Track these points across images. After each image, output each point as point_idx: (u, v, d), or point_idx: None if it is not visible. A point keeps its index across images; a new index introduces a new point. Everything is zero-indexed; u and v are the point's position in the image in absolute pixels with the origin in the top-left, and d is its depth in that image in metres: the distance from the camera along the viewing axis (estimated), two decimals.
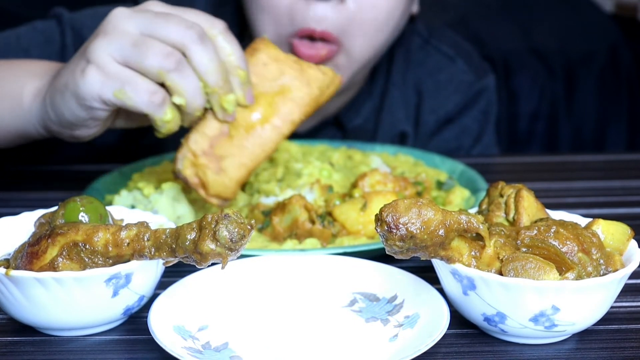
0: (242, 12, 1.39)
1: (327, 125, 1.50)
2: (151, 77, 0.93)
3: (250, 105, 1.01)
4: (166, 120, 0.95)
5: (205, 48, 0.94)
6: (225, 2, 1.45)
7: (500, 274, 0.75)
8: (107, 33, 0.93)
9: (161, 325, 0.77)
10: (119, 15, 0.94)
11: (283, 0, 1.26)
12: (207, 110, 0.99)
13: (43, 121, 1.01)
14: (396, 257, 0.73)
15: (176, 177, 1.03)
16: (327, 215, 1.03)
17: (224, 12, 1.45)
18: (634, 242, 0.81)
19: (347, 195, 1.08)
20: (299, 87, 1.03)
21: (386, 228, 0.70)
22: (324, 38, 1.27)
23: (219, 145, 1.00)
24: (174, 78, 0.93)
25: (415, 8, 1.44)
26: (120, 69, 0.92)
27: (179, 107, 0.96)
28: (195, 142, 1.00)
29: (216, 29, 0.97)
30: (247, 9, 1.34)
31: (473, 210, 0.89)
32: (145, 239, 0.75)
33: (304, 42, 1.28)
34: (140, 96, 0.92)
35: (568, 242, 0.77)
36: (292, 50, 1.28)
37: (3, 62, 1.12)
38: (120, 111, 1.01)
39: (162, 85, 0.94)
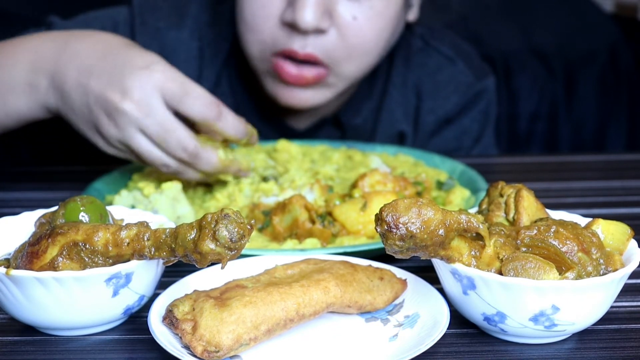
0: None
1: (326, 124, 1.51)
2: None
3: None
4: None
5: None
6: (223, 0, 1.45)
7: (500, 273, 0.75)
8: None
9: (161, 325, 0.77)
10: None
11: (265, 26, 1.27)
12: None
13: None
14: (396, 256, 0.73)
15: None
16: (327, 215, 1.03)
17: (222, 10, 1.45)
18: (633, 242, 0.81)
19: (347, 195, 1.08)
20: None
21: (386, 227, 0.70)
22: (308, 61, 1.27)
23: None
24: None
25: (412, 16, 1.44)
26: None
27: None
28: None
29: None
30: (237, 23, 1.34)
31: (473, 210, 0.89)
32: (145, 239, 0.75)
33: (287, 62, 1.28)
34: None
35: (568, 242, 0.77)
36: (274, 68, 1.28)
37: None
38: None
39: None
